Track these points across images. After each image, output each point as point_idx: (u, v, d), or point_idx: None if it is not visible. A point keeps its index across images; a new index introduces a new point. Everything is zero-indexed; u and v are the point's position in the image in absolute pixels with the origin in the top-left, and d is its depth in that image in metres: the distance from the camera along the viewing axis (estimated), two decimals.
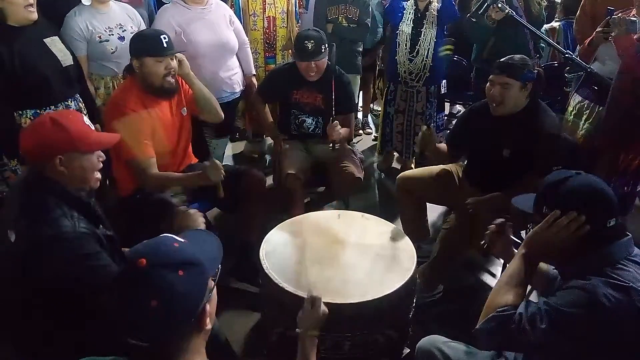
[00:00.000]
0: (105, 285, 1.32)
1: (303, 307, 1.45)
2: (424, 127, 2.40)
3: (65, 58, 2.28)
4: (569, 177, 1.29)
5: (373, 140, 4.16)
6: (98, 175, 1.53)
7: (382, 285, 1.72)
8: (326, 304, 1.47)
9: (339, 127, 2.56)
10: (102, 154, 1.53)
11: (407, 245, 1.95)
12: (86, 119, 1.51)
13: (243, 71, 3.08)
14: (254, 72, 3.16)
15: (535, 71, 2.16)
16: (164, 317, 0.87)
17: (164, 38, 2.13)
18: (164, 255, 0.91)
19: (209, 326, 0.95)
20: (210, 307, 0.95)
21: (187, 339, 0.92)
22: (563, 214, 1.24)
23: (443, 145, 2.54)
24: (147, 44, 2.13)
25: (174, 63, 2.16)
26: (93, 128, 1.52)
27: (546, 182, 1.33)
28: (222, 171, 2.08)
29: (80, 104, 2.37)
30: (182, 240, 0.97)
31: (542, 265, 1.46)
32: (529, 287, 1.40)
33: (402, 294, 1.74)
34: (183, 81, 2.31)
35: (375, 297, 1.66)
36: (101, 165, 1.53)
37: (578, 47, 2.90)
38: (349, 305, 1.63)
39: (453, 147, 2.50)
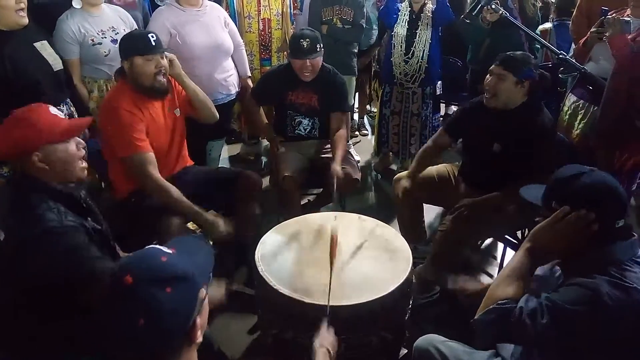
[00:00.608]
0: (94, 278, 1.31)
1: (321, 327, 1.46)
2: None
3: (55, 62, 2.27)
4: (583, 173, 1.26)
5: (369, 141, 4.16)
6: (83, 164, 1.50)
7: (378, 286, 1.71)
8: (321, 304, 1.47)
9: (340, 172, 2.48)
10: (82, 141, 1.50)
11: (403, 247, 1.94)
12: (53, 109, 1.47)
13: (238, 73, 3.08)
14: (249, 74, 3.15)
15: (538, 72, 2.17)
16: (152, 335, 0.85)
17: (152, 37, 2.12)
18: (151, 271, 0.88)
19: (199, 339, 0.92)
20: (201, 319, 0.92)
21: (177, 352, 0.90)
22: (572, 210, 1.22)
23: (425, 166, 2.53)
24: (135, 44, 2.12)
25: (165, 62, 2.15)
26: (62, 116, 1.49)
27: (557, 176, 1.30)
28: (223, 230, 2.11)
29: (71, 108, 2.36)
30: (170, 251, 0.93)
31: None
32: None
33: (398, 296, 1.73)
34: (176, 82, 2.30)
35: (371, 299, 1.66)
36: (84, 152, 1.49)
37: (573, 46, 2.91)
38: (344, 307, 1.62)
39: (448, 134, 2.48)
